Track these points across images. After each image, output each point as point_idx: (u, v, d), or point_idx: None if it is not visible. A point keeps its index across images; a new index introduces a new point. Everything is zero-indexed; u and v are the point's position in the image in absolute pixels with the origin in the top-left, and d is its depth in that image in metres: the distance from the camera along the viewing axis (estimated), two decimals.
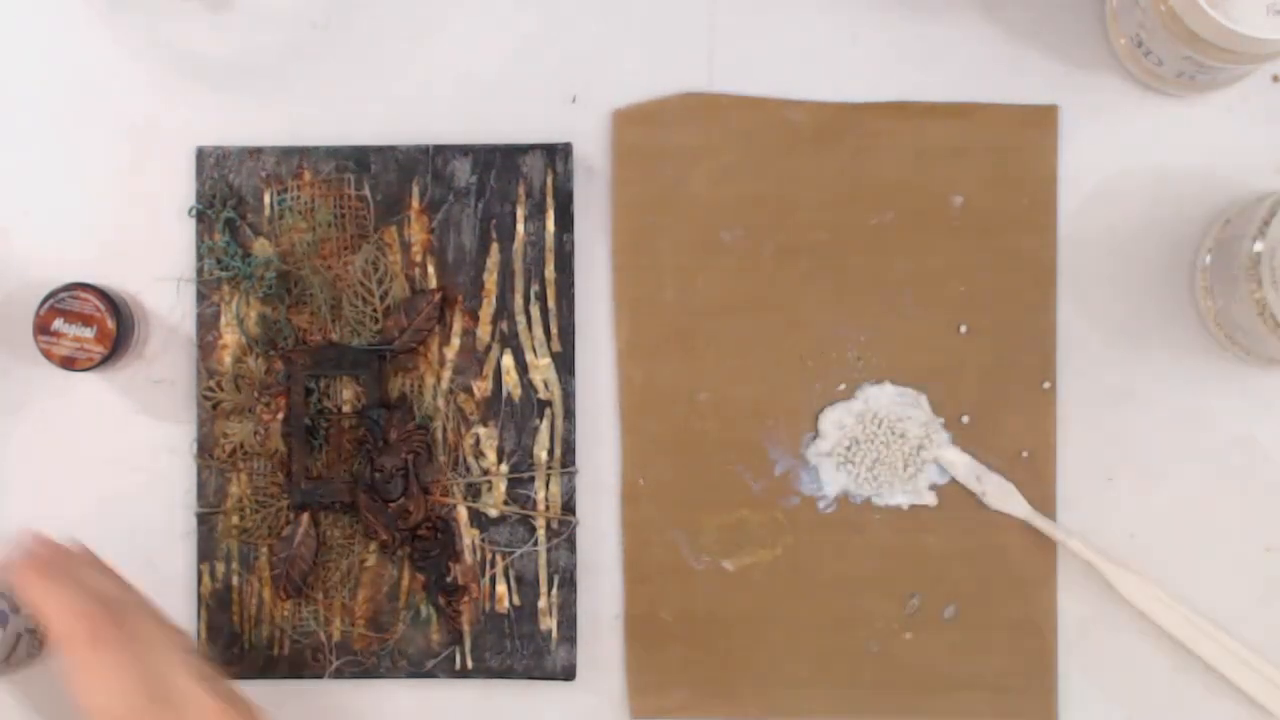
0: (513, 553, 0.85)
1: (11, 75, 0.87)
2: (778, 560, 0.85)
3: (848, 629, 0.85)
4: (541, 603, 0.85)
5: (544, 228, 0.85)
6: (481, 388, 0.85)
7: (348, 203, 0.86)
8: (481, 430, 0.85)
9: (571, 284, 0.85)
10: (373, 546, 0.85)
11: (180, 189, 0.87)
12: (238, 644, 0.85)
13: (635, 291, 0.86)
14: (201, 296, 0.86)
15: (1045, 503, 0.84)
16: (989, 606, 0.84)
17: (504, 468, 0.85)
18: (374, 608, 0.85)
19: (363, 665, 0.85)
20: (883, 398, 0.85)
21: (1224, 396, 0.85)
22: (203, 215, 0.86)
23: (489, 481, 0.85)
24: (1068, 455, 0.85)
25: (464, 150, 0.85)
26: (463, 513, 0.85)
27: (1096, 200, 0.85)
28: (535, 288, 0.85)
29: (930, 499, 0.85)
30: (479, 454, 0.85)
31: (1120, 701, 0.84)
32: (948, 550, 0.85)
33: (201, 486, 0.85)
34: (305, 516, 0.85)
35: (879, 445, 0.84)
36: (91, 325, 0.83)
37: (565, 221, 0.85)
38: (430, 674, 0.85)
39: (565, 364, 0.85)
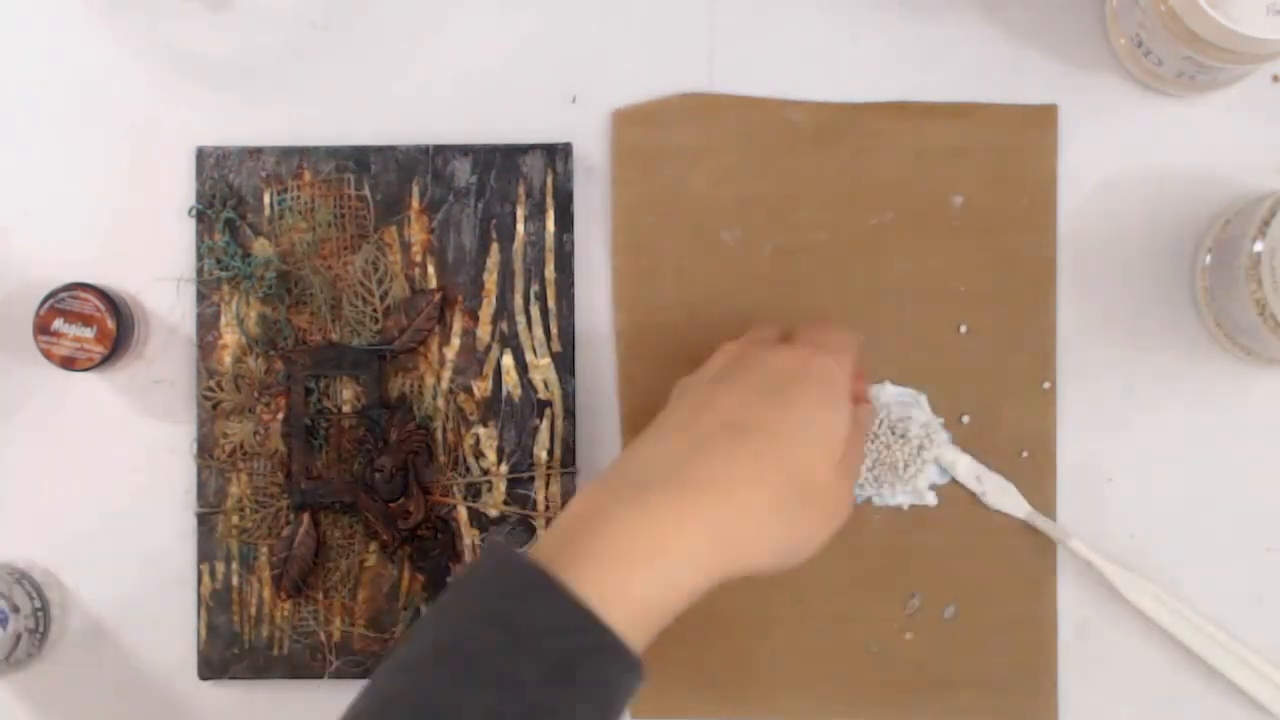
0: None
1: (11, 75, 0.87)
2: None
3: (848, 629, 0.85)
4: None
5: (544, 228, 0.85)
6: (481, 388, 0.85)
7: (348, 203, 0.86)
8: (481, 430, 0.85)
9: (571, 284, 0.85)
10: (373, 546, 0.85)
11: (180, 189, 0.86)
12: (238, 644, 0.85)
13: (635, 291, 0.86)
14: (201, 296, 0.86)
15: (1045, 503, 0.84)
16: (989, 606, 0.84)
17: (504, 468, 0.85)
18: (374, 608, 0.85)
19: (363, 665, 0.85)
20: (883, 398, 0.85)
21: (1224, 396, 0.85)
22: (203, 215, 0.86)
23: (489, 481, 0.85)
24: (1068, 455, 0.85)
25: (464, 150, 0.85)
26: (463, 513, 0.85)
27: (1096, 200, 0.85)
28: (535, 288, 0.85)
29: (930, 499, 0.85)
30: (479, 454, 0.85)
31: (1120, 701, 0.84)
32: (948, 550, 0.85)
33: (201, 486, 0.85)
34: (305, 516, 0.85)
35: (879, 445, 0.84)
36: (91, 325, 0.83)
37: (565, 221, 0.85)
38: None
39: (565, 364, 0.85)
